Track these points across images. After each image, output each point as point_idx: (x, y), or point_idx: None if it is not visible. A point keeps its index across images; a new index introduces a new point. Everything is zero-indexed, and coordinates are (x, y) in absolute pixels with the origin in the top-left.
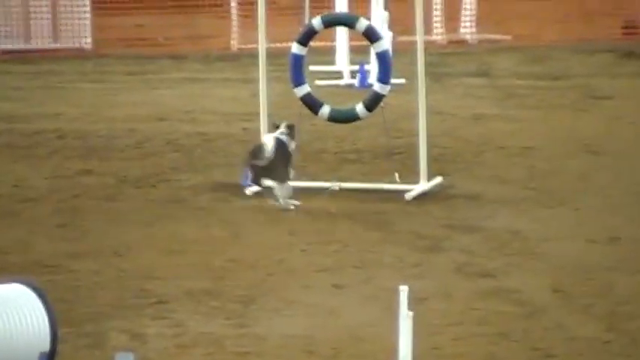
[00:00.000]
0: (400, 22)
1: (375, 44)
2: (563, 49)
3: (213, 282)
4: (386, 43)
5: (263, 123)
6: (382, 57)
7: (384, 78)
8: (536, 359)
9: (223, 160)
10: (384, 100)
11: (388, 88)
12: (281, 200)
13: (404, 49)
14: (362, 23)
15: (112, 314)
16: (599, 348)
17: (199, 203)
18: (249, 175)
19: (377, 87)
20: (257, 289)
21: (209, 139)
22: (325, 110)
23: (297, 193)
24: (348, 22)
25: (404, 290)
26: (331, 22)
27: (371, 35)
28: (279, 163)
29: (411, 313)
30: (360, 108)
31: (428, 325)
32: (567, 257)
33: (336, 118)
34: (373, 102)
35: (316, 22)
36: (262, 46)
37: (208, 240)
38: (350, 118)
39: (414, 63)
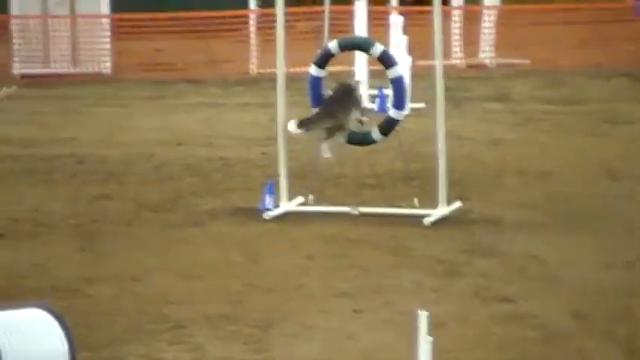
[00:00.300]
0: (419, 47)
1: (390, 70)
2: (581, 73)
3: (231, 306)
4: (401, 68)
5: (281, 147)
6: (397, 83)
7: (398, 103)
8: None
9: (241, 185)
10: (399, 124)
11: (403, 113)
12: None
13: (423, 74)
14: (377, 48)
15: (129, 339)
16: None
17: (217, 228)
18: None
19: (392, 112)
20: (275, 314)
21: (227, 163)
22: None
23: (316, 217)
24: (364, 46)
25: (423, 315)
26: (347, 46)
27: (386, 60)
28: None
29: (430, 338)
30: (375, 132)
31: (446, 351)
32: (586, 282)
33: (352, 141)
34: (388, 127)
35: (333, 45)
36: (281, 71)
37: (226, 264)
38: (366, 142)
39: (433, 87)
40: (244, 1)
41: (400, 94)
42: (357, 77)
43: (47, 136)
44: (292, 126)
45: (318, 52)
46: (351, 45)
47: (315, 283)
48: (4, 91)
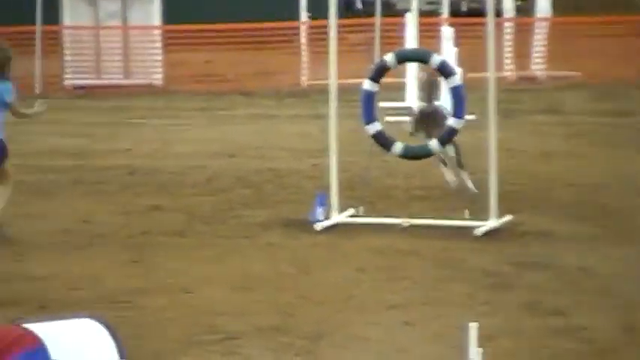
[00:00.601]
0: (470, 59)
1: (449, 79)
2: (632, 86)
3: (282, 318)
4: (459, 78)
5: (333, 159)
6: (456, 92)
7: (458, 112)
8: None
9: (293, 197)
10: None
11: (462, 122)
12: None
13: (474, 86)
14: (436, 59)
15: (181, 350)
16: None
17: (268, 239)
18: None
19: (451, 121)
20: (326, 326)
21: (278, 175)
22: (398, 147)
23: (366, 229)
24: (422, 57)
25: (473, 327)
26: (404, 58)
27: (445, 70)
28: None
29: (480, 351)
30: (433, 143)
31: None
32: (638, 295)
33: (409, 154)
34: (448, 137)
35: (389, 58)
36: (332, 82)
37: (277, 276)
38: (424, 154)
39: (483, 99)
40: (295, 13)
41: (460, 103)
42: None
43: (99, 147)
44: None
45: (372, 65)
46: (409, 57)
47: (365, 295)
48: (40, 103)
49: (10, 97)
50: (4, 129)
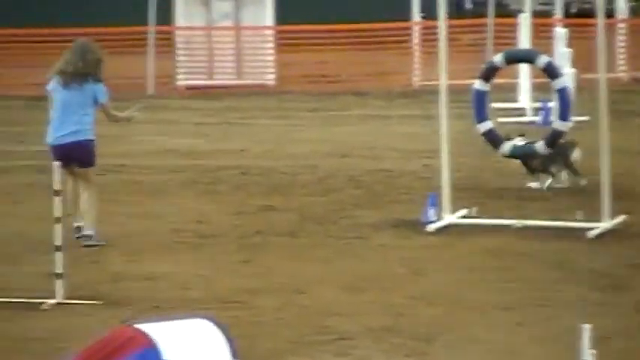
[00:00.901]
0: (584, 59)
1: (555, 81)
2: None
3: (393, 319)
4: (566, 79)
5: (444, 160)
6: (562, 93)
7: (563, 115)
8: None
9: (404, 197)
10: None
11: (568, 125)
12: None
13: (587, 86)
14: (542, 59)
15: (293, 350)
16: None
17: (380, 240)
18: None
19: (556, 124)
20: (438, 327)
21: (390, 175)
22: (506, 146)
23: (478, 230)
24: (529, 57)
25: (586, 329)
26: (512, 59)
27: (551, 71)
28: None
29: (593, 352)
30: (540, 145)
31: None
32: None
33: (516, 154)
34: (553, 139)
35: (498, 58)
36: (443, 83)
37: (389, 277)
38: (530, 153)
39: (597, 100)
40: (407, 14)
41: (565, 105)
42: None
43: (211, 147)
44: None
45: (483, 65)
46: (517, 57)
47: (478, 296)
48: (136, 107)
49: (104, 99)
50: (94, 129)
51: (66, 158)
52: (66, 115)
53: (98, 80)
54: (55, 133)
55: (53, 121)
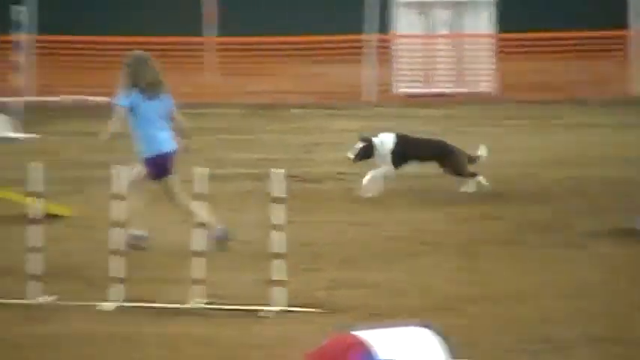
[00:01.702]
0: None
1: None
2: None
3: (614, 328)
4: None
5: None
6: None
7: None
8: None
9: (626, 205)
10: None
11: None
12: None
13: None
14: None
15: (512, 359)
16: None
17: (600, 248)
18: None
19: None
20: None
21: (611, 183)
22: None
23: None
24: None
25: None
26: None
27: None
28: None
29: None
30: None
31: None
32: None
33: None
34: None
35: None
36: None
37: (609, 285)
38: None
39: None
40: (624, 22)
41: None
42: None
43: None
44: None
45: None
46: None
47: None
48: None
49: (174, 108)
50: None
51: (164, 168)
52: (156, 128)
53: (166, 93)
54: (158, 146)
55: (146, 134)
